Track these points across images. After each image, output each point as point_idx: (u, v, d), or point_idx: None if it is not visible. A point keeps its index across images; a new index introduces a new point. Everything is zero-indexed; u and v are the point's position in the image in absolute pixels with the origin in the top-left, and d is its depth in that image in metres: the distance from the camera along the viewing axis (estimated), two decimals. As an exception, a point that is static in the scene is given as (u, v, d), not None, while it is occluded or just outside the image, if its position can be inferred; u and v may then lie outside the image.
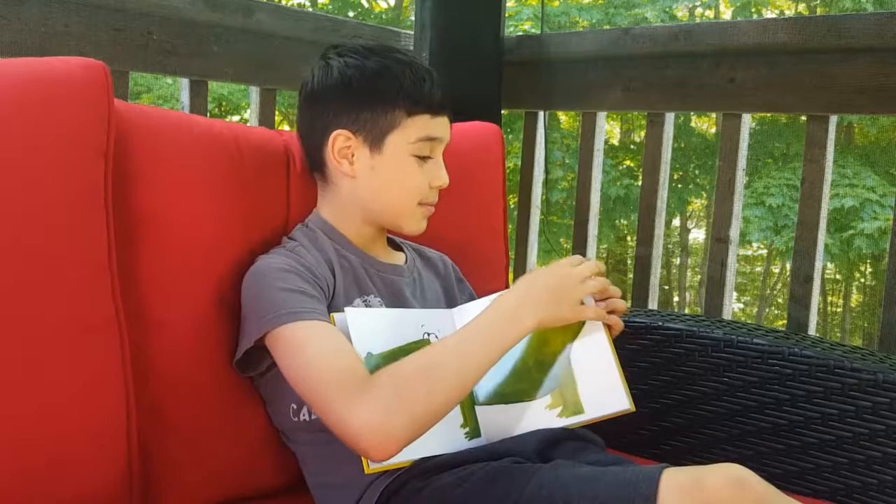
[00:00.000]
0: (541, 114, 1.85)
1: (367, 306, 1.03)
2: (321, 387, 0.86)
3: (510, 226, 1.55)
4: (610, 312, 1.04)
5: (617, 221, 8.98)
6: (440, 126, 1.05)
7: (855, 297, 11.66)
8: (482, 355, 0.89)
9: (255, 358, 0.99)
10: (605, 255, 10.58)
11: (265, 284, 0.96)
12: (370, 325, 0.96)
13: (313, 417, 0.98)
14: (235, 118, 8.11)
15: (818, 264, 1.49)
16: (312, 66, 1.08)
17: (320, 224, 1.08)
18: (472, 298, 1.21)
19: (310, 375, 0.88)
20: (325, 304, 0.97)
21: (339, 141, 1.03)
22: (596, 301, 1.04)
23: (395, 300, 1.07)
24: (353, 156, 1.04)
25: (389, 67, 1.03)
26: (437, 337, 1.01)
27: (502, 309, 0.93)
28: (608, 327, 1.05)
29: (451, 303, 1.17)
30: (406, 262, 1.14)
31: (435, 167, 1.06)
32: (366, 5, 9.39)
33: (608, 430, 1.03)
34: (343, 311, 0.95)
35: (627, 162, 9.48)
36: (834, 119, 1.46)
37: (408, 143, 1.03)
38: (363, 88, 1.02)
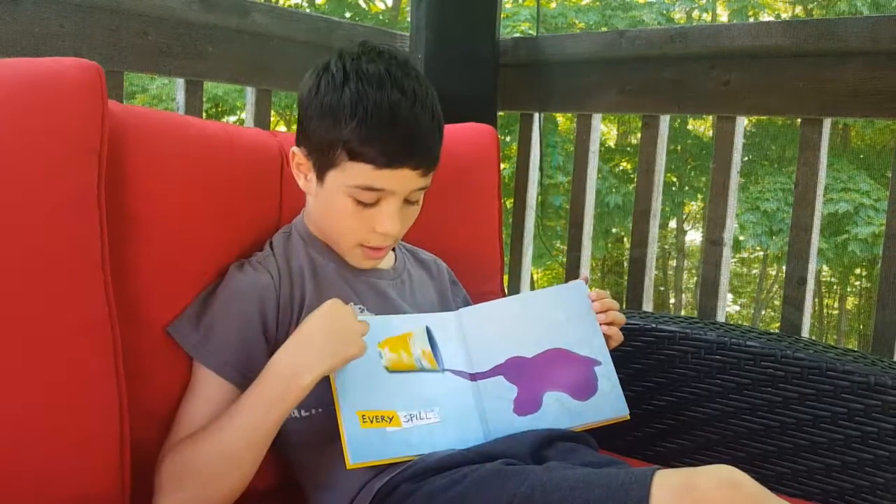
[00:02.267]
0: (536, 115, 1.86)
1: None
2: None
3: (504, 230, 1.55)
4: (609, 324, 1.05)
5: (613, 228, 8.98)
6: (389, 179, 0.95)
7: (851, 300, 11.70)
8: (264, 424, 0.88)
9: None
10: (601, 258, 10.59)
11: (218, 305, 0.98)
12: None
13: (304, 414, 0.98)
14: (232, 118, 8.10)
15: (812, 267, 1.49)
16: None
17: (301, 228, 1.07)
18: (466, 301, 1.21)
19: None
20: (249, 347, 0.97)
21: (296, 157, 1.02)
22: (596, 313, 1.06)
23: (381, 304, 1.06)
24: (307, 174, 1.01)
25: (350, 104, 0.92)
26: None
27: (277, 369, 0.89)
28: (608, 338, 1.06)
29: (445, 305, 1.17)
30: (395, 263, 1.13)
31: (379, 214, 0.97)
32: (363, 6, 9.38)
33: (602, 432, 1.03)
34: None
35: (624, 164, 9.48)
36: (828, 122, 1.46)
37: (346, 185, 0.96)
38: (318, 116, 0.95)
